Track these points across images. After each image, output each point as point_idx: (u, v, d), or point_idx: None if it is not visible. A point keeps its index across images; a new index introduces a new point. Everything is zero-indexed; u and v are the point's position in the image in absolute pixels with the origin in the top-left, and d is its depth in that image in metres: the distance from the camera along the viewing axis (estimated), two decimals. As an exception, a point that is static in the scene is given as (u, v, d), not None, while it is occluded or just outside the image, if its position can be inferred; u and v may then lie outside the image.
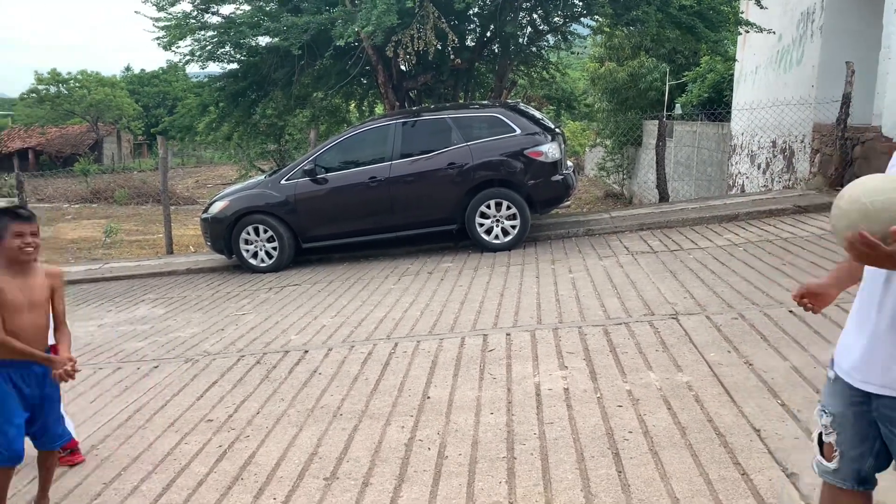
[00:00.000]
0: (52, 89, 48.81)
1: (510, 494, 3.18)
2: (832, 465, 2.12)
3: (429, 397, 4.35)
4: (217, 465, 3.79)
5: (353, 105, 14.51)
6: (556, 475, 3.28)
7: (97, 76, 50.12)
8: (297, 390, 4.72)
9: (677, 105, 20.54)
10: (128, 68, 59.53)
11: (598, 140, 26.57)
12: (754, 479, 3.05)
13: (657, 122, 12.87)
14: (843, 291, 2.22)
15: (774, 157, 12.17)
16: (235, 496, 3.44)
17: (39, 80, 48.67)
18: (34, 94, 49.44)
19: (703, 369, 4.27)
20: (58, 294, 3.34)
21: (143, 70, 58.94)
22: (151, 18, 10.71)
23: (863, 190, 1.77)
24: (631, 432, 3.60)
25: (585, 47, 17.57)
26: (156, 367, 5.57)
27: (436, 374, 4.73)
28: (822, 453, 2.14)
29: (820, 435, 2.15)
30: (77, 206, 28.58)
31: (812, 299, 2.22)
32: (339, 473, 3.55)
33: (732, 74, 16.18)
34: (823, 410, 2.14)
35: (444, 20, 9.71)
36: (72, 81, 48.83)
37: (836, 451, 2.10)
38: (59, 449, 3.51)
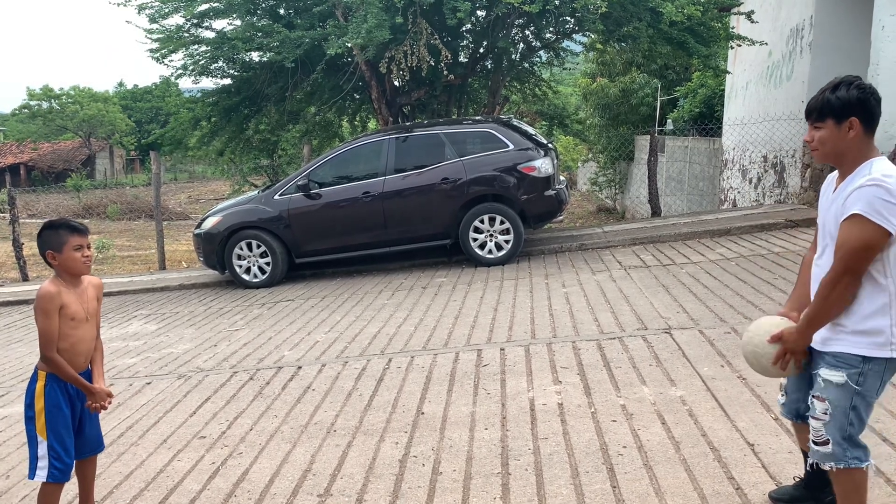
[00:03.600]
0: (45, 105, 48.82)
1: (505, 510, 3.17)
2: (780, 399, 2.89)
3: (423, 413, 4.34)
4: (210, 482, 3.77)
5: (345, 120, 14.54)
6: (550, 490, 3.28)
7: (89, 91, 50.15)
8: (291, 406, 4.70)
9: (668, 120, 20.68)
10: (121, 84, 59.61)
11: (590, 155, 26.70)
12: (748, 494, 3.05)
13: (649, 137, 12.95)
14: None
15: (766, 171, 12.25)
16: (228, 514, 3.42)
17: (31, 95, 48.68)
18: (26, 110, 49.46)
19: (697, 384, 4.28)
20: (100, 304, 3.40)
21: (136, 85, 59.06)
22: (144, 30, 10.73)
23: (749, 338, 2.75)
24: (625, 447, 3.60)
25: (577, 63, 17.72)
26: (148, 384, 5.54)
27: (430, 389, 4.72)
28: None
29: None
30: (69, 221, 28.42)
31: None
32: (332, 490, 3.53)
33: (723, 90, 16.30)
34: None
35: (436, 36, 9.76)
36: (64, 97, 48.84)
37: (783, 391, 2.86)
38: (96, 454, 3.47)
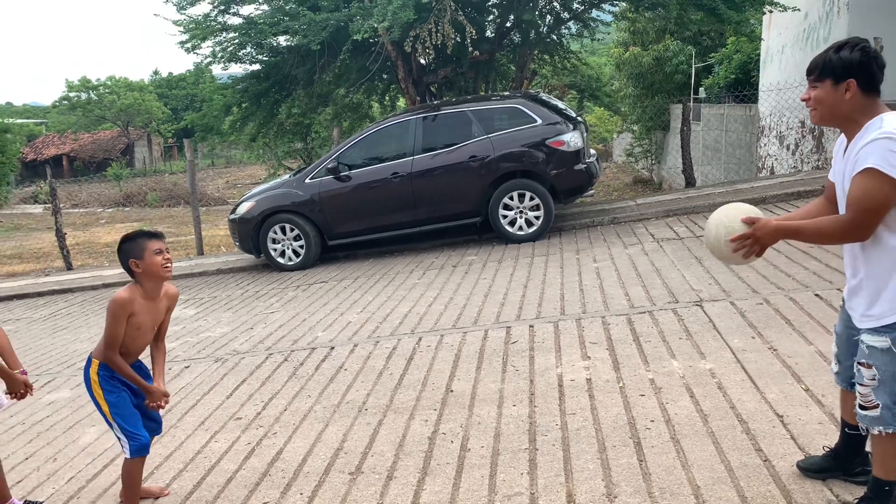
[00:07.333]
0: (83, 96, 49.70)
1: (532, 485, 3.20)
2: (833, 368, 2.82)
3: (452, 390, 4.39)
4: (246, 462, 3.87)
5: (375, 101, 14.56)
6: (577, 465, 3.30)
7: (125, 81, 50.91)
8: (324, 386, 4.79)
9: (701, 88, 20.26)
10: (156, 72, 60.33)
11: (625, 126, 26.32)
12: (776, 466, 3.04)
13: (686, 105, 12.72)
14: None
15: (803, 137, 11.97)
16: (263, 492, 3.52)
17: (70, 87, 49.60)
18: (66, 102, 50.42)
19: (727, 356, 4.25)
20: (169, 313, 3.47)
21: (170, 73, 59.70)
22: (173, 21, 10.86)
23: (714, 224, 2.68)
24: (653, 421, 3.60)
25: (608, 33, 17.42)
26: (187, 368, 5.69)
27: (459, 367, 4.76)
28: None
29: None
30: (111, 210, 29.14)
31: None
32: (363, 468, 3.60)
33: (759, 55, 15.92)
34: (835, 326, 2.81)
35: (461, 13, 9.70)
36: (101, 87, 49.65)
37: (836, 360, 2.78)
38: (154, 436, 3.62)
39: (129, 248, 3.25)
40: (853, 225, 2.36)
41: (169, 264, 3.27)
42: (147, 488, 3.64)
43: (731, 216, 2.61)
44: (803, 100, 2.51)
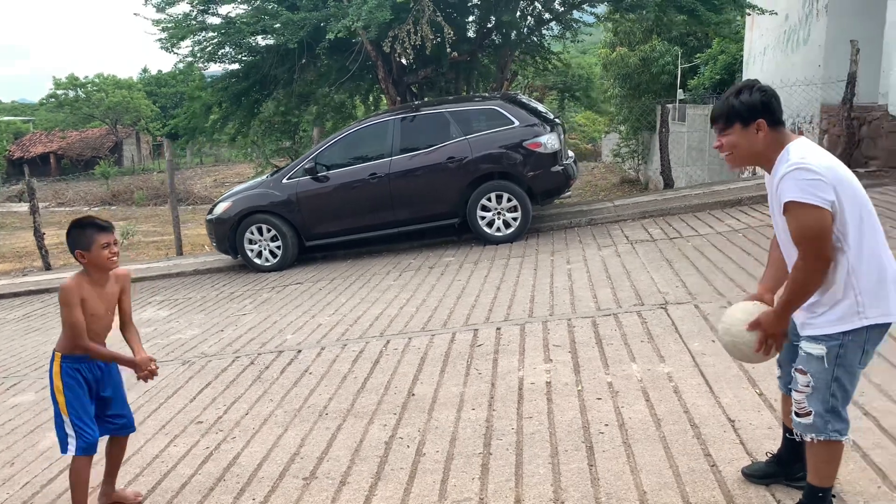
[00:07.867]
0: (71, 94, 49.44)
1: (482, 491, 3.20)
2: (777, 373, 2.87)
3: (413, 394, 4.39)
4: (202, 466, 3.86)
5: (358, 100, 14.54)
6: (528, 470, 3.30)
7: (114, 79, 50.67)
8: (287, 390, 4.78)
9: (680, 91, 20.36)
10: (145, 70, 60.10)
11: (612, 126, 26.40)
12: (723, 471, 3.05)
13: (669, 106, 12.75)
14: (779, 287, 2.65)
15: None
16: (217, 497, 3.51)
17: (58, 84, 49.33)
18: (53, 99, 50.16)
19: (686, 359, 4.26)
20: (126, 294, 3.51)
21: (159, 71, 59.44)
22: (152, 20, 10.81)
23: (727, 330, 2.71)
24: (607, 425, 3.61)
25: (590, 34, 17.46)
26: (154, 370, 5.65)
27: (423, 370, 4.76)
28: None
29: None
30: (97, 208, 29.01)
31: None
32: (318, 473, 3.60)
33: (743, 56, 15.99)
34: None
35: (439, 14, 9.68)
36: (89, 85, 49.41)
37: (778, 364, 2.82)
38: (128, 435, 3.60)
39: (78, 238, 3.27)
40: (809, 259, 2.39)
41: (115, 258, 3.31)
42: (121, 493, 3.60)
43: (737, 334, 2.64)
44: (716, 147, 2.57)
